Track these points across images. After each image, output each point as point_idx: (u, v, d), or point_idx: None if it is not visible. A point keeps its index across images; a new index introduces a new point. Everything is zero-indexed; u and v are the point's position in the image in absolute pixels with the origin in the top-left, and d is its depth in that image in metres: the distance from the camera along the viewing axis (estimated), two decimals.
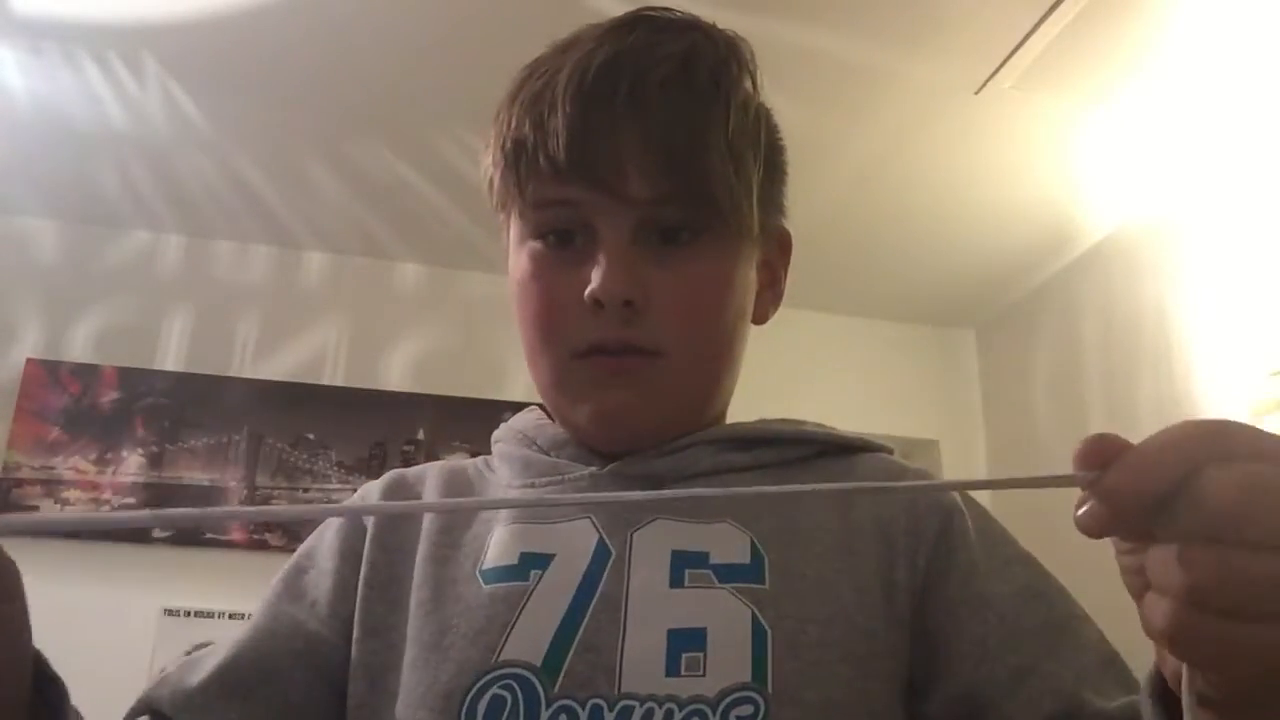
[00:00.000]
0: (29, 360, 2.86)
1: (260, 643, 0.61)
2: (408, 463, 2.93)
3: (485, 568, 0.59)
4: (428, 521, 0.64)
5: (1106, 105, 2.32)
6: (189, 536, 2.79)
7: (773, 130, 0.69)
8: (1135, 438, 0.36)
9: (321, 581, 0.64)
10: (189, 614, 2.71)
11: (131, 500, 2.81)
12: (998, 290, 3.29)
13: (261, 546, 2.80)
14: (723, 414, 0.69)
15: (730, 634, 0.54)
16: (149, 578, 2.75)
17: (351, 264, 3.17)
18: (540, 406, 0.70)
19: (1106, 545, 0.41)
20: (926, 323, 3.52)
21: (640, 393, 0.61)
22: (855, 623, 0.57)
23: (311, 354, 3.05)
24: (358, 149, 2.59)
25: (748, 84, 0.64)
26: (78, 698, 0.52)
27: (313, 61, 2.30)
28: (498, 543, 0.60)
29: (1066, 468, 0.37)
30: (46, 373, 2.87)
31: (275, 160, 2.69)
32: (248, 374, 2.99)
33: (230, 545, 2.80)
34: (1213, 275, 2.52)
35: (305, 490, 2.89)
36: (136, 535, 2.78)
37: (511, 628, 0.55)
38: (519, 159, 0.61)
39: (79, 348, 2.92)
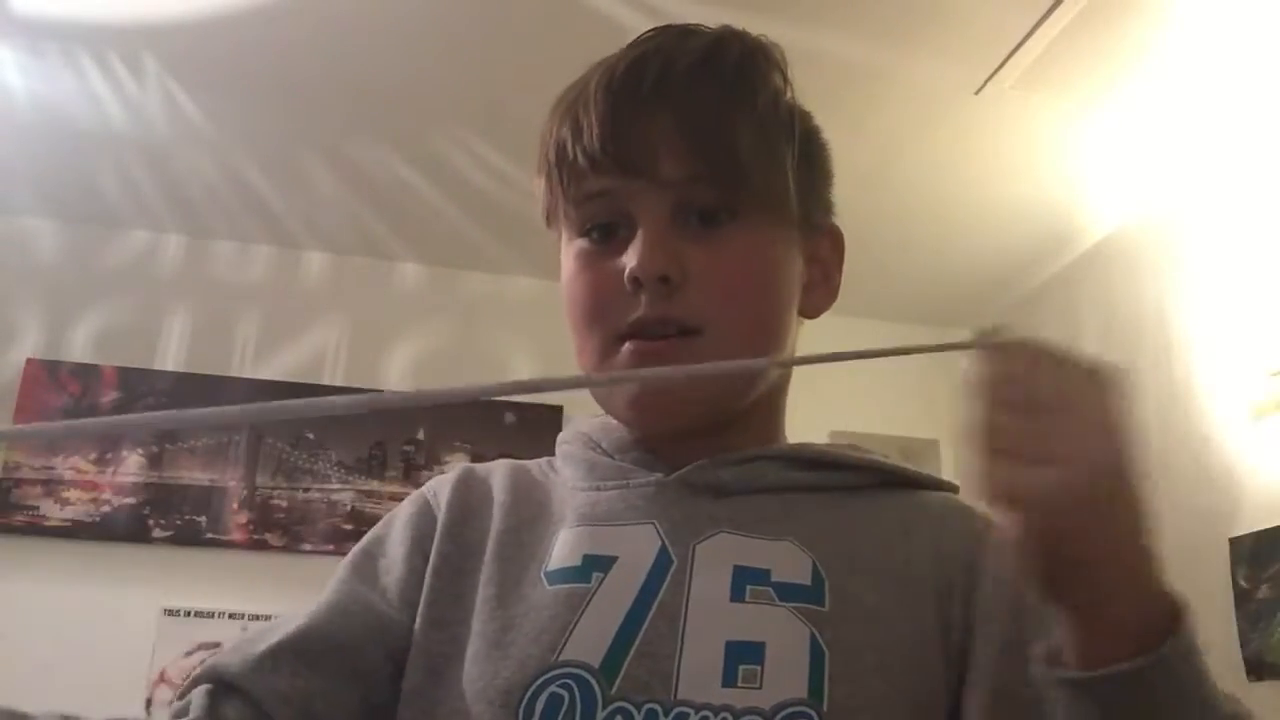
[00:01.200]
0: (29, 360, 2.86)
1: (333, 617, 0.61)
2: (408, 462, 2.95)
3: (550, 569, 0.60)
4: (497, 520, 0.65)
5: (1106, 105, 2.32)
6: (189, 536, 2.79)
7: (812, 131, 0.70)
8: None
9: (392, 569, 0.64)
10: (189, 614, 2.71)
11: (131, 500, 2.81)
12: (998, 290, 3.29)
13: (262, 546, 2.80)
14: (773, 406, 0.70)
15: (789, 651, 0.54)
16: (149, 578, 2.75)
17: (351, 264, 3.17)
18: None
19: None
20: (926, 323, 3.52)
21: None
22: (911, 655, 0.57)
23: (311, 354, 3.06)
24: (358, 149, 2.59)
25: (777, 79, 0.66)
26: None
27: (313, 61, 2.30)
28: (563, 543, 0.61)
29: None
30: (46, 373, 2.87)
31: (275, 160, 2.69)
32: (248, 374, 2.99)
33: (230, 545, 2.80)
34: (1213, 275, 2.52)
35: (305, 490, 2.90)
36: (136, 535, 2.78)
37: (573, 629, 0.56)
38: (560, 162, 0.63)
39: (79, 348, 2.92)
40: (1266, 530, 2.26)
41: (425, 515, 0.66)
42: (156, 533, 2.79)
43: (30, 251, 2.97)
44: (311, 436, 2.95)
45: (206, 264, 3.09)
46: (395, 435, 2.98)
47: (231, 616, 2.71)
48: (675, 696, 0.53)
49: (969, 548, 0.62)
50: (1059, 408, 0.45)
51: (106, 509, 2.79)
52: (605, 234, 0.63)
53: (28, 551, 2.71)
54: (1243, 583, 2.30)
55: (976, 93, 2.29)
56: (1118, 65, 2.19)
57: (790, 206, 0.64)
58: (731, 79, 0.62)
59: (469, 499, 0.67)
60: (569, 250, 0.65)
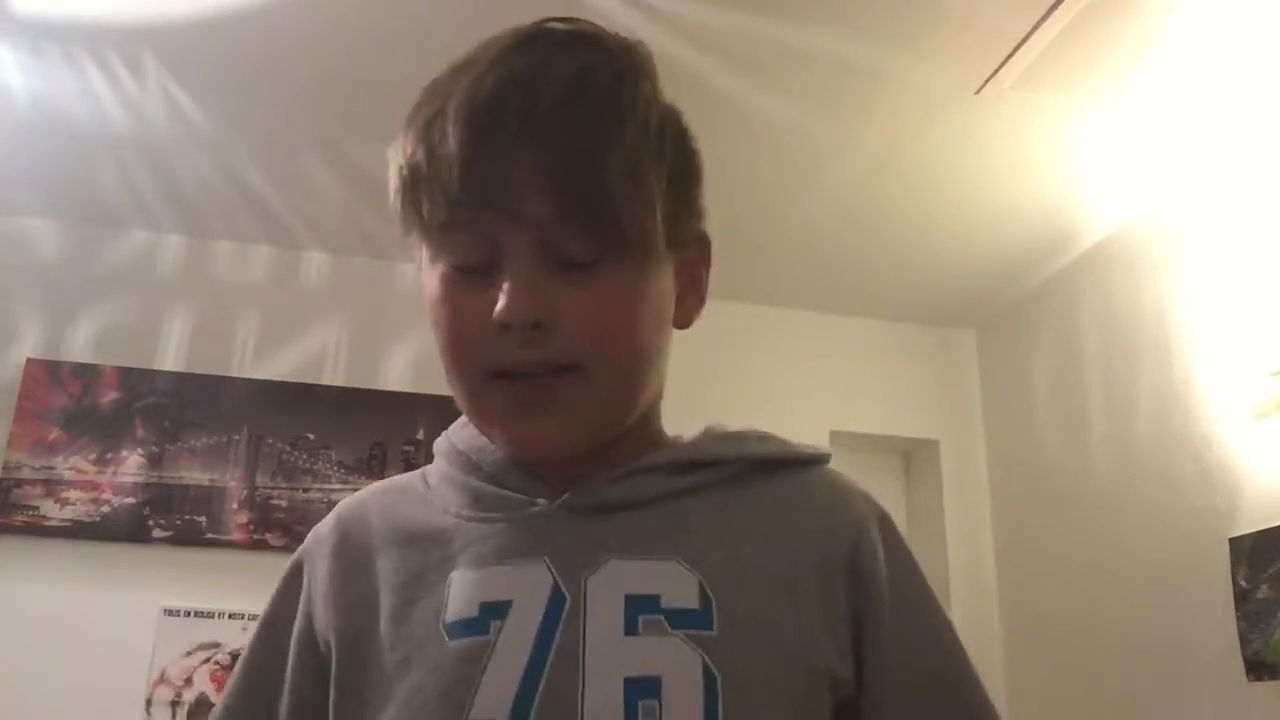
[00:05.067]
0: (29, 360, 2.86)
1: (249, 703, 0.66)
2: (408, 462, 2.95)
3: (448, 620, 0.60)
4: (385, 577, 0.64)
5: (1106, 105, 2.32)
6: (189, 536, 2.79)
7: (681, 135, 0.67)
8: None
9: (288, 664, 0.66)
10: (189, 614, 2.71)
11: (131, 500, 2.81)
12: (998, 290, 3.29)
13: (262, 546, 2.80)
14: (653, 418, 0.70)
15: (683, 681, 0.56)
16: (149, 578, 2.75)
17: (351, 264, 3.17)
18: None
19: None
20: (926, 323, 3.52)
21: (557, 416, 0.61)
22: (799, 663, 0.60)
23: (311, 354, 3.06)
24: (358, 149, 2.59)
25: (647, 92, 0.62)
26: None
27: (313, 61, 2.30)
28: (458, 590, 0.61)
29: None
30: (46, 373, 2.87)
31: (275, 160, 2.69)
32: (248, 374, 2.99)
33: (230, 545, 2.80)
34: (1213, 275, 2.52)
35: (305, 490, 2.90)
36: (136, 535, 2.78)
37: (478, 686, 0.57)
38: (416, 185, 0.61)
39: (79, 348, 2.92)
40: (1266, 530, 2.26)
41: (321, 577, 0.67)
42: (156, 533, 2.78)
43: (30, 251, 2.97)
44: (312, 437, 2.95)
45: (206, 264, 3.09)
46: (395, 435, 2.98)
47: (231, 616, 2.71)
48: None
49: (852, 541, 0.65)
50: None
51: (106, 509, 2.79)
52: (468, 262, 0.62)
53: (28, 551, 2.71)
54: (1243, 583, 2.29)
55: (976, 93, 2.29)
56: (1117, 65, 2.19)
57: (657, 240, 0.62)
58: (600, 108, 0.59)
59: (352, 553, 0.67)
60: (433, 270, 0.64)
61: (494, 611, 0.59)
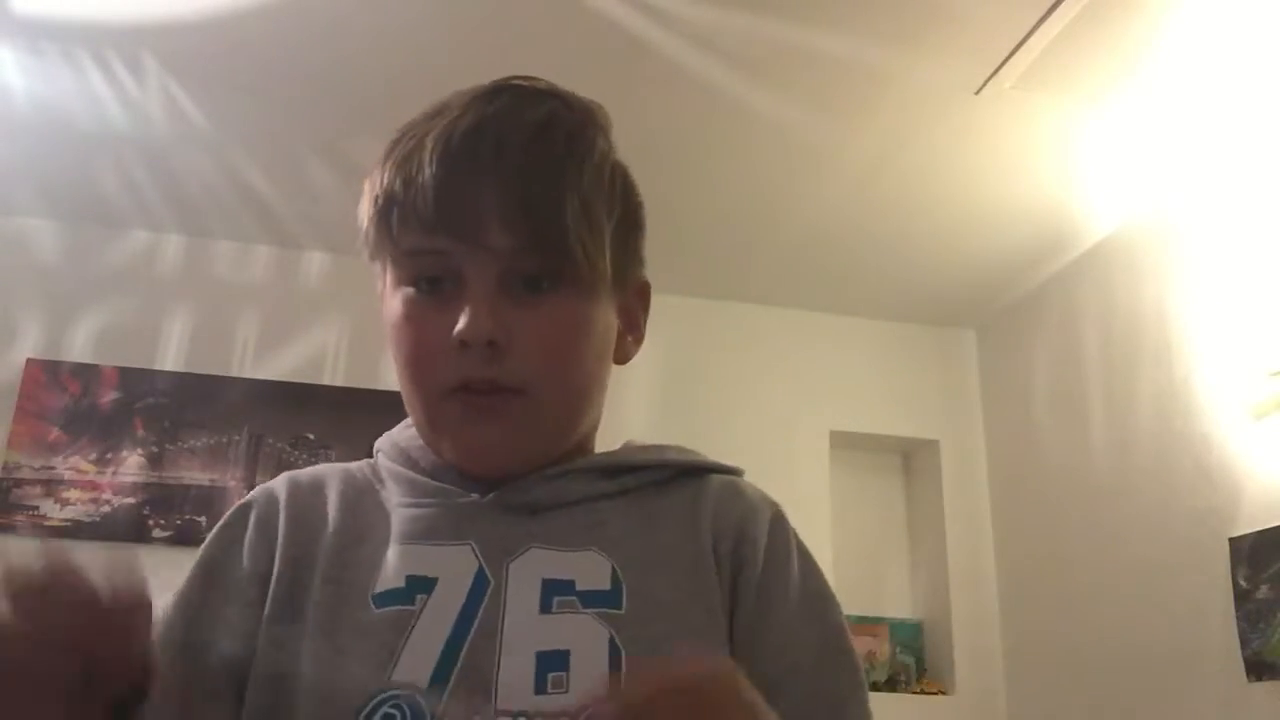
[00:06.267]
0: (29, 360, 2.86)
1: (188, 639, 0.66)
2: None
3: (376, 591, 0.64)
4: (328, 538, 0.68)
5: (1106, 105, 2.33)
6: (189, 536, 2.79)
7: (629, 188, 0.74)
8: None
9: (237, 593, 0.68)
10: None
11: (131, 500, 2.81)
12: (998, 290, 3.29)
13: None
14: (588, 443, 0.75)
15: (590, 654, 0.61)
16: (149, 578, 2.74)
17: (351, 264, 3.16)
18: None
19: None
20: (926, 323, 3.52)
21: (504, 429, 0.67)
22: (701, 642, 0.64)
23: (311, 354, 3.06)
24: (358, 149, 2.58)
25: (602, 146, 0.69)
26: None
27: (313, 61, 2.30)
28: (388, 563, 0.65)
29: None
30: (46, 373, 2.87)
31: (275, 160, 2.69)
32: (248, 374, 2.99)
33: None
34: (1213, 275, 2.52)
35: None
36: (136, 535, 2.78)
37: (401, 652, 0.61)
38: (389, 213, 0.67)
39: (79, 348, 2.92)
40: (1266, 530, 2.26)
41: (269, 525, 0.70)
42: (156, 533, 2.79)
43: (30, 251, 2.97)
44: (312, 437, 2.95)
45: (206, 264, 3.09)
46: None
47: None
48: (495, 706, 0.59)
49: (736, 532, 0.69)
50: None
51: (106, 509, 2.79)
52: (432, 285, 0.66)
53: (28, 552, 2.71)
54: (1243, 583, 2.30)
55: (976, 93, 2.29)
56: (1117, 65, 2.19)
57: (605, 272, 0.68)
58: (561, 154, 0.66)
59: (300, 511, 0.71)
60: (395, 294, 0.69)
61: (420, 586, 0.64)
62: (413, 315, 0.67)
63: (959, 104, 2.34)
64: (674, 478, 0.72)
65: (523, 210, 0.64)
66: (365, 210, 0.71)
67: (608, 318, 0.71)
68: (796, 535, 0.72)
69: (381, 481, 0.73)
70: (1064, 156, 2.56)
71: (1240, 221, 2.46)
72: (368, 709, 0.59)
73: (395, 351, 0.69)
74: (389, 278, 0.70)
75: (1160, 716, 2.53)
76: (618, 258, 0.70)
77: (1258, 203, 2.42)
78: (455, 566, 0.64)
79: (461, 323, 0.64)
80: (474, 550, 0.65)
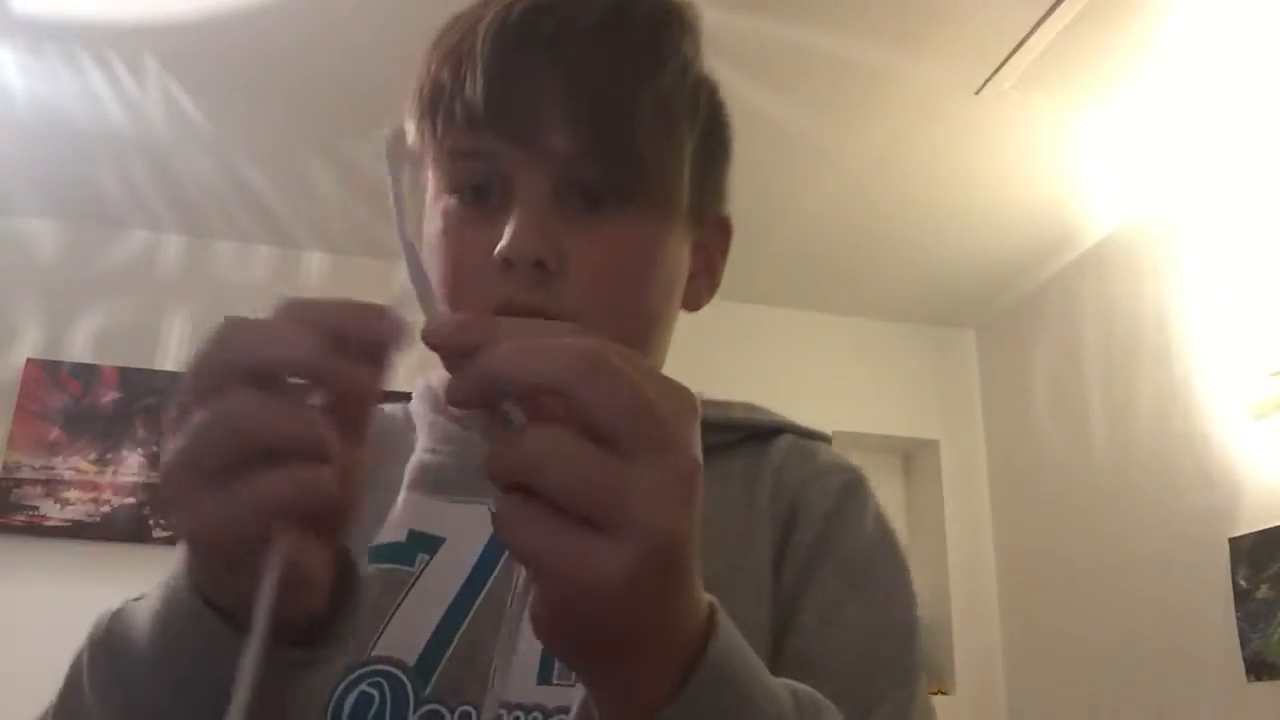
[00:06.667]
0: (29, 360, 2.86)
1: None
2: None
3: (375, 542, 0.56)
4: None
5: (1106, 105, 2.32)
6: None
7: (717, 106, 0.64)
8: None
9: None
10: None
11: (131, 500, 2.81)
12: (998, 290, 3.29)
13: None
14: None
15: None
16: (149, 578, 2.71)
17: (351, 264, 3.17)
18: None
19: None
20: (926, 323, 3.52)
21: None
22: (747, 621, 0.53)
23: None
24: (358, 149, 2.58)
25: (688, 46, 0.58)
26: None
27: (313, 62, 2.30)
28: (393, 513, 0.57)
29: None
30: (46, 373, 2.86)
31: (275, 160, 2.69)
32: None
33: None
34: (1213, 275, 2.52)
35: None
36: (136, 535, 2.78)
37: (388, 621, 0.53)
38: (435, 107, 0.56)
39: (79, 348, 2.92)
40: (1266, 530, 2.26)
41: None
42: (156, 533, 2.78)
43: (30, 251, 2.97)
44: None
45: (206, 264, 3.09)
46: None
47: None
48: (490, 695, 0.49)
49: (800, 492, 0.60)
50: (638, 446, 0.34)
51: (106, 509, 2.79)
52: (477, 194, 0.56)
53: (28, 551, 2.71)
54: (1243, 583, 2.30)
55: (976, 93, 2.29)
56: (1117, 65, 2.19)
57: (681, 192, 0.58)
58: (637, 44, 0.55)
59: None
60: (437, 204, 0.58)
61: (422, 544, 0.55)
62: (452, 229, 0.56)
63: (959, 104, 2.34)
64: (739, 441, 0.63)
65: (587, 107, 0.53)
66: (408, 107, 0.60)
67: (680, 252, 0.60)
68: (880, 513, 0.61)
69: (412, 426, 0.65)
70: (1064, 156, 2.56)
71: (1240, 221, 2.46)
72: (341, 686, 0.50)
73: (435, 267, 0.58)
74: (431, 184, 0.59)
75: (1160, 716, 2.53)
76: (698, 181, 0.59)
77: (1258, 202, 2.42)
78: (466, 528, 0.55)
79: (506, 238, 0.53)
80: (491, 511, 0.57)
